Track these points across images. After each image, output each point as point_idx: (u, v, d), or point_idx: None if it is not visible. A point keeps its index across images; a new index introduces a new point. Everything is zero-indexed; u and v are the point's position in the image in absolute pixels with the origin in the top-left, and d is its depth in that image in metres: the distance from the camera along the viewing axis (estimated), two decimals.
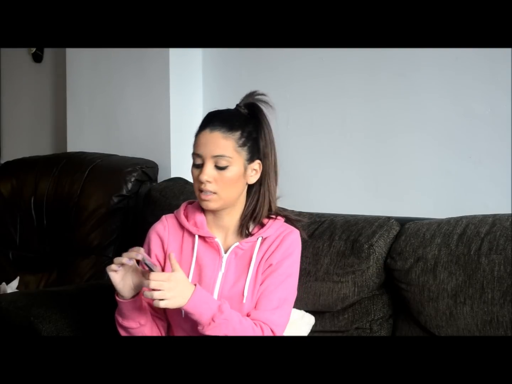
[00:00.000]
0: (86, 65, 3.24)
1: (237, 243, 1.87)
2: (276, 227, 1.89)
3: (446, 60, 2.38)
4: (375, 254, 2.02)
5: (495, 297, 1.82)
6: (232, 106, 1.91)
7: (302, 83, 2.75)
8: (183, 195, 2.50)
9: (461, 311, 1.86)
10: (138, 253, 1.72)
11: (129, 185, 2.82)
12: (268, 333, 1.78)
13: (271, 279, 1.84)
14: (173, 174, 2.88)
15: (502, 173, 2.29)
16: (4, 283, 2.89)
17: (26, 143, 3.80)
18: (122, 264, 1.73)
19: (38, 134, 3.76)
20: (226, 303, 1.75)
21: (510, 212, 1.97)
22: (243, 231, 1.88)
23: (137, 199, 2.81)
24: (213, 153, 1.80)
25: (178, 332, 1.87)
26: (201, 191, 1.82)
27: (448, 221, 1.99)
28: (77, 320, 2.15)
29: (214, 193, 1.81)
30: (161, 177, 2.89)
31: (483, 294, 1.83)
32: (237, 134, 1.81)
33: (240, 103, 1.89)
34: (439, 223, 1.99)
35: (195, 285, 1.72)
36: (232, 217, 1.89)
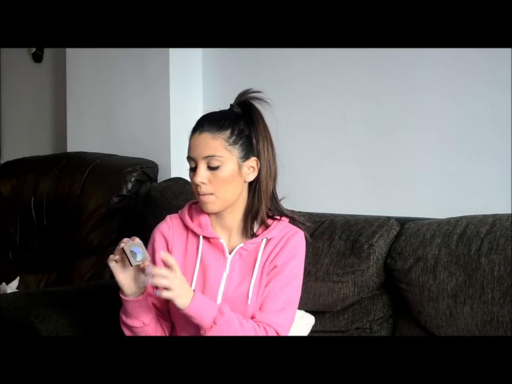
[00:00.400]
0: (86, 65, 3.24)
1: (241, 244, 1.87)
2: (280, 228, 1.89)
3: (446, 60, 2.38)
4: (375, 254, 2.02)
5: (495, 297, 1.82)
6: None
7: (302, 83, 2.75)
8: (183, 195, 2.50)
9: (461, 311, 1.86)
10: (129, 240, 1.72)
11: (129, 185, 2.82)
12: (272, 335, 1.78)
13: (276, 281, 1.83)
14: (173, 174, 2.88)
15: (502, 173, 2.29)
16: (4, 283, 2.89)
17: (26, 143, 3.80)
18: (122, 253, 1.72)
19: (38, 134, 3.76)
20: (226, 306, 1.75)
21: (510, 212, 1.97)
22: (248, 231, 1.88)
23: (137, 199, 2.81)
24: (203, 154, 1.80)
25: (182, 333, 1.86)
26: (199, 194, 1.83)
27: (448, 221, 1.99)
28: (77, 320, 2.14)
29: (211, 194, 1.82)
30: (161, 177, 2.89)
31: (483, 294, 1.83)
32: (227, 133, 1.81)
33: (234, 102, 1.90)
34: (439, 223, 1.99)
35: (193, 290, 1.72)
36: (235, 217, 1.89)
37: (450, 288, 1.88)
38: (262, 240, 1.87)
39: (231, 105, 1.90)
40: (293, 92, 2.77)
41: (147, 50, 2.93)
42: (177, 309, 1.72)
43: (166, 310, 1.89)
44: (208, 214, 1.89)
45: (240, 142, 1.83)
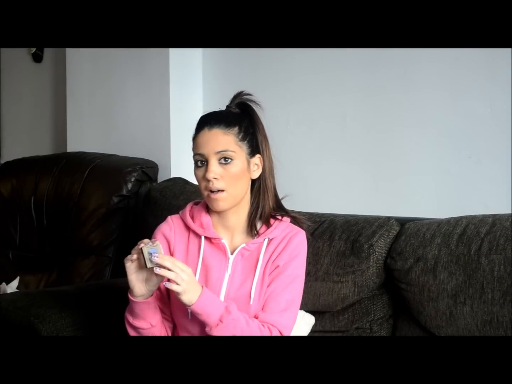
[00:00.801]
0: (86, 65, 3.24)
1: (243, 244, 1.86)
2: (282, 228, 1.89)
3: (446, 59, 2.38)
4: (375, 254, 2.02)
5: (495, 297, 1.82)
6: None
7: (302, 82, 2.75)
8: (183, 195, 2.50)
9: (461, 311, 1.86)
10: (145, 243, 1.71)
11: (129, 185, 2.82)
12: (276, 335, 1.78)
13: (278, 281, 1.83)
14: (173, 174, 2.88)
15: (502, 173, 2.29)
16: (4, 283, 2.89)
17: (26, 143, 3.80)
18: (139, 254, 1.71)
19: (38, 134, 3.76)
20: (233, 304, 1.75)
21: (510, 212, 1.97)
22: (252, 230, 1.87)
23: (137, 199, 2.81)
24: (215, 149, 1.80)
25: (183, 334, 1.86)
26: (210, 191, 1.80)
27: (448, 221, 1.99)
28: (77, 320, 2.14)
29: (223, 190, 1.81)
30: (161, 177, 2.89)
31: (483, 294, 1.83)
32: (236, 129, 1.82)
33: (230, 104, 1.90)
34: (439, 223, 1.99)
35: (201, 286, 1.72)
36: (239, 217, 1.88)
37: (450, 288, 1.88)
38: (264, 240, 1.87)
39: (228, 106, 1.90)
40: (293, 91, 2.77)
41: (147, 50, 2.93)
42: (184, 306, 1.71)
43: (169, 311, 1.89)
44: (210, 214, 1.89)
45: (247, 139, 1.84)
